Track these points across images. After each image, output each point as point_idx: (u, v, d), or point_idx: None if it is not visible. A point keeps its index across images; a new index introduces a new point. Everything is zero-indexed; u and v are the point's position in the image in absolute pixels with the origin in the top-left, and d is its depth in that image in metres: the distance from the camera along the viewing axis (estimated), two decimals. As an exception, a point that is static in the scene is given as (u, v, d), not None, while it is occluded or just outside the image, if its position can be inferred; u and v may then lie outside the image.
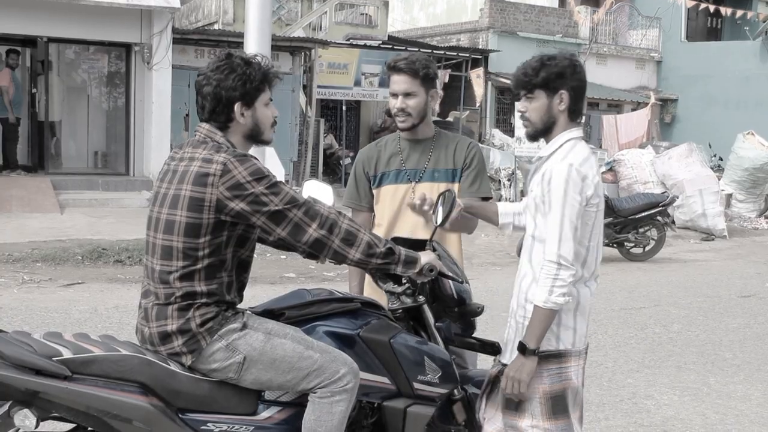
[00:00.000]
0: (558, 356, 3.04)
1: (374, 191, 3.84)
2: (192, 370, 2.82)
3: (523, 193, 16.46)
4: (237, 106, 2.89)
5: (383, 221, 3.81)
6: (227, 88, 2.86)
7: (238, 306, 2.96)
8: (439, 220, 3.33)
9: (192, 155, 2.85)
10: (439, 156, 3.78)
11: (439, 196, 3.41)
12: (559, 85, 3.02)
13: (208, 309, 2.81)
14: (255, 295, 3.03)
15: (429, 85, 3.68)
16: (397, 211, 3.76)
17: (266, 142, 3.08)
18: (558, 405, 3.05)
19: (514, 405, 3.07)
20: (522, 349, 3.00)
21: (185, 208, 2.78)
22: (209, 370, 2.82)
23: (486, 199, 3.78)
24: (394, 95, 3.68)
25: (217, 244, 2.81)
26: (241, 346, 2.81)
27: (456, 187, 3.75)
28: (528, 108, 3.09)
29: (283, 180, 3.10)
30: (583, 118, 3.23)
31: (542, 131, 3.11)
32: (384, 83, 19.31)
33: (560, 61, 3.03)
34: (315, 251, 2.87)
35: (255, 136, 2.99)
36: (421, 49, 20.95)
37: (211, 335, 2.80)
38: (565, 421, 3.06)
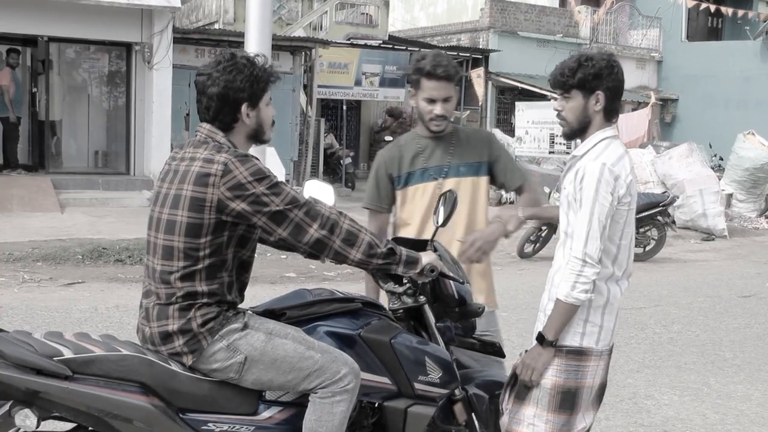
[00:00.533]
0: (579, 353, 3.06)
1: (399, 192, 3.81)
2: (193, 370, 2.82)
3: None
4: (244, 107, 2.89)
5: (413, 220, 3.79)
6: (235, 89, 2.85)
7: (239, 306, 2.96)
8: (440, 221, 3.34)
9: (193, 155, 2.85)
10: (463, 151, 3.78)
11: (440, 196, 3.42)
12: (596, 85, 3.03)
13: (209, 309, 2.81)
14: (255, 294, 3.03)
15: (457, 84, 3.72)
16: (427, 210, 3.73)
17: (266, 141, 3.09)
18: (566, 401, 3.08)
19: (524, 394, 3.11)
20: (540, 339, 3.04)
21: (186, 208, 2.78)
22: (210, 370, 2.82)
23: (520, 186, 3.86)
24: (432, 101, 3.64)
25: (218, 245, 2.81)
26: (242, 346, 2.81)
27: (483, 180, 3.80)
28: (564, 107, 3.10)
29: (283, 180, 3.10)
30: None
31: (578, 131, 3.12)
32: (384, 83, 19.33)
33: (597, 61, 3.04)
34: (316, 251, 2.88)
35: (257, 136, 3.00)
36: (422, 49, 20.96)
37: (212, 335, 2.80)
38: (566, 417, 3.09)
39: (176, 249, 2.80)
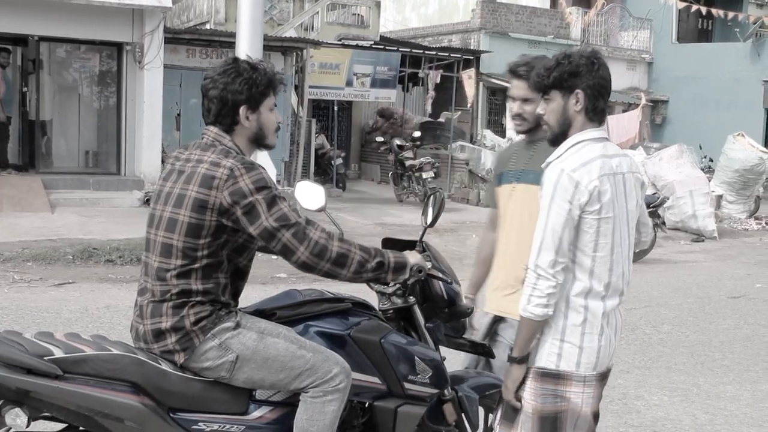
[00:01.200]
0: (555, 377, 2.85)
1: (497, 191, 3.77)
2: (184, 369, 2.83)
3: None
4: (242, 110, 2.92)
5: (501, 221, 3.72)
6: (233, 92, 2.89)
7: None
8: (429, 221, 3.35)
9: (200, 157, 2.88)
10: (539, 157, 3.55)
11: (429, 196, 3.43)
12: (574, 84, 2.83)
13: (202, 308, 2.82)
14: (246, 295, 3.04)
15: None
16: (503, 212, 3.69)
17: (269, 147, 3.12)
18: (545, 426, 2.87)
19: (511, 416, 2.95)
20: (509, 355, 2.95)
21: (189, 208, 2.81)
22: (201, 368, 2.83)
23: None
24: (513, 99, 3.60)
25: (216, 246, 2.84)
26: (234, 345, 2.82)
27: None
28: (546, 110, 2.91)
29: (275, 179, 3.12)
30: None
31: (560, 135, 2.90)
32: (375, 83, 19.33)
33: (576, 59, 2.83)
34: (306, 270, 2.88)
35: (259, 140, 3.02)
36: (413, 50, 20.98)
37: (204, 333, 2.81)
38: None
39: (175, 247, 2.82)
